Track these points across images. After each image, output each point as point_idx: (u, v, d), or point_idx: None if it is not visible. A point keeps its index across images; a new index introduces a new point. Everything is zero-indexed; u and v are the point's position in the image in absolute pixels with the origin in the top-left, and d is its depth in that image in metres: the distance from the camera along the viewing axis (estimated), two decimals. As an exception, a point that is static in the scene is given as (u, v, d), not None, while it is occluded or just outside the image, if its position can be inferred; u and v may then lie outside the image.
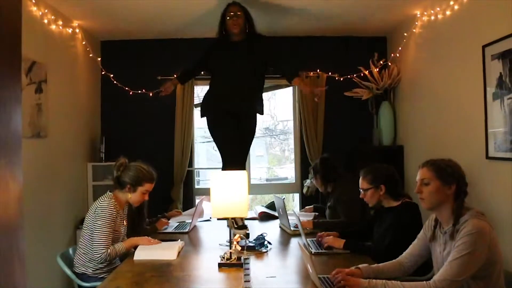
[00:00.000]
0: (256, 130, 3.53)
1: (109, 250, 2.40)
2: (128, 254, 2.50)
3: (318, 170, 3.35)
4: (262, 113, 3.48)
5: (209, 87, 3.49)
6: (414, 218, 2.42)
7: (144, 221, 3.08)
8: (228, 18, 3.26)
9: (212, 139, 3.46)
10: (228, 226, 2.79)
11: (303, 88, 3.50)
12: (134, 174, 2.57)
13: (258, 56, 3.31)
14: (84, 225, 2.54)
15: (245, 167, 3.45)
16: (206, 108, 3.43)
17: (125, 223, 2.65)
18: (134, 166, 2.61)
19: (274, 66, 3.46)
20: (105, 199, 2.51)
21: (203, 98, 3.53)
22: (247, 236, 2.76)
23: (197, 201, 4.68)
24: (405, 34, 4.10)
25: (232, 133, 3.28)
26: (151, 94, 4.56)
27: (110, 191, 2.59)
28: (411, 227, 2.27)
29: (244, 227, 2.95)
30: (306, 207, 3.81)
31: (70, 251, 2.66)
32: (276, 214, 3.48)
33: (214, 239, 2.90)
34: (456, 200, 1.86)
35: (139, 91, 4.57)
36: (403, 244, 2.14)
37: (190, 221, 3.26)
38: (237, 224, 2.96)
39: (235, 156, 3.22)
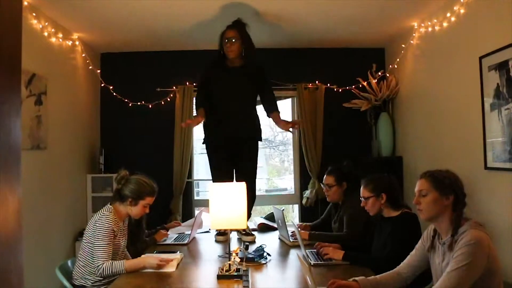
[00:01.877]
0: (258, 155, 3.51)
1: (104, 264, 2.33)
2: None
3: (346, 178, 3.13)
4: (260, 139, 3.47)
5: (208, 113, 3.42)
6: (413, 228, 2.41)
7: (143, 233, 3.07)
8: (225, 41, 3.27)
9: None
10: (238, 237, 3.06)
11: (278, 124, 3.44)
12: (135, 188, 2.56)
13: (253, 83, 3.35)
14: (83, 238, 2.52)
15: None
16: (207, 135, 3.44)
17: (125, 236, 2.64)
18: (136, 179, 2.60)
19: (260, 95, 3.47)
20: (105, 212, 2.50)
21: (203, 125, 3.47)
22: (246, 247, 2.75)
23: (196, 212, 4.66)
24: (403, 45, 4.13)
25: (225, 166, 3.34)
26: (150, 106, 4.59)
27: (110, 204, 2.58)
28: (411, 238, 2.26)
29: (251, 234, 3.12)
30: (302, 227, 3.42)
31: (69, 263, 2.64)
32: (275, 225, 3.47)
33: (213, 251, 2.89)
34: (454, 211, 1.86)
35: (139, 103, 4.59)
36: (403, 254, 2.13)
37: (189, 232, 3.26)
38: (244, 231, 3.09)
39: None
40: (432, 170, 1.97)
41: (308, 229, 3.32)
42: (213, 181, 3.35)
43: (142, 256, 2.56)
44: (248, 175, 3.32)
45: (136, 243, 2.93)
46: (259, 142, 3.48)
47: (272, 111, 3.41)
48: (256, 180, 3.48)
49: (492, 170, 2.74)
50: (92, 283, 2.41)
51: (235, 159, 3.36)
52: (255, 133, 3.42)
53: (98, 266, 2.34)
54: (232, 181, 3.35)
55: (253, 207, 3.46)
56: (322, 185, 3.29)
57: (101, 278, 2.42)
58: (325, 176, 3.21)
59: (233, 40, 3.24)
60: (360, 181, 2.74)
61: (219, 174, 3.32)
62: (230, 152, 3.34)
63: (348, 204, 3.04)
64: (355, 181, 2.96)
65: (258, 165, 3.52)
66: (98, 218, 2.47)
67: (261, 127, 3.48)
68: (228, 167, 3.36)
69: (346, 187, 3.11)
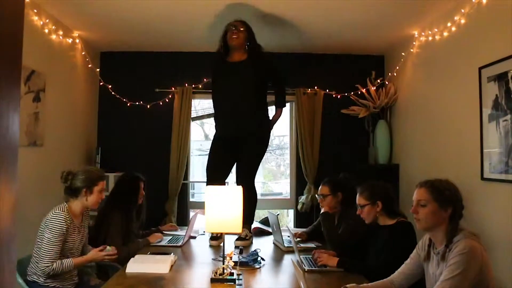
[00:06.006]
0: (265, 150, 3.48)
1: (54, 265, 2.33)
2: (120, 266, 2.46)
3: (341, 189, 3.05)
4: (263, 136, 3.41)
5: (214, 108, 3.48)
6: (409, 237, 2.40)
7: (141, 227, 3.06)
8: (231, 28, 3.26)
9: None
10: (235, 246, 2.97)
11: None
12: (85, 177, 2.56)
13: (259, 75, 3.28)
14: (38, 235, 2.49)
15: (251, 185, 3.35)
16: (215, 127, 3.47)
17: (81, 233, 2.60)
18: (82, 170, 2.61)
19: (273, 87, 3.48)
20: (57, 210, 2.46)
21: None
22: (240, 251, 2.75)
23: (191, 214, 4.65)
24: (403, 53, 4.14)
25: (218, 157, 3.31)
26: (148, 106, 4.58)
27: (66, 202, 2.56)
28: (406, 247, 2.25)
29: (245, 239, 3.07)
30: (298, 235, 3.35)
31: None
32: (270, 229, 3.46)
33: (207, 254, 2.88)
34: (450, 222, 1.86)
35: (137, 103, 4.58)
36: (397, 263, 2.12)
37: (184, 234, 3.24)
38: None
39: (213, 177, 3.25)
40: (432, 179, 1.96)
41: (305, 237, 3.28)
42: (206, 171, 3.36)
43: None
44: (245, 173, 3.29)
45: (127, 241, 2.92)
46: (264, 140, 3.41)
47: (276, 107, 3.53)
48: (254, 180, 3.38)
49: (488, 181, 2.75)
50: (44, 279, 2.38)
51: (235, 155, 3.33)
52: (256, 130, 3.32)
53: (45, 268, 2.32)
54: (224, 175, 3.34)
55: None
56: (317, 196, 3.23)
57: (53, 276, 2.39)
58: (320, 186, 3.15)
59: (241, 29, 3.25)
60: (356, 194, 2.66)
61: (211, 163, 3.34)
62: (230, 146, 3.31)
63: (347, 216, 2.93)
64: (351, 193, 2.81)
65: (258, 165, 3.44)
66: (50, 217, 2.43)
67: (267, 123, 3.42)
68: (221, 161, 3.32)
69: (342, 198, 3.04)
